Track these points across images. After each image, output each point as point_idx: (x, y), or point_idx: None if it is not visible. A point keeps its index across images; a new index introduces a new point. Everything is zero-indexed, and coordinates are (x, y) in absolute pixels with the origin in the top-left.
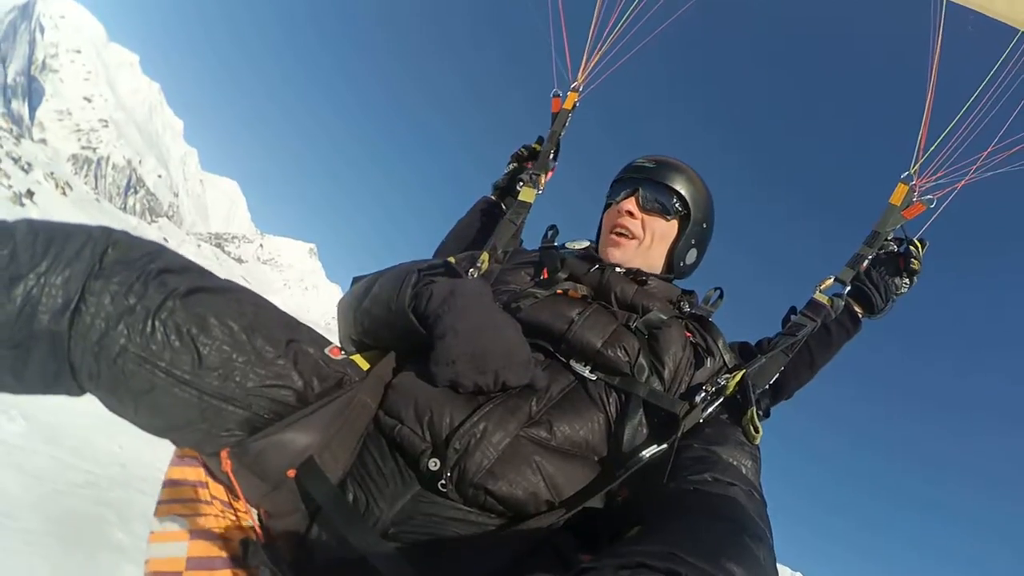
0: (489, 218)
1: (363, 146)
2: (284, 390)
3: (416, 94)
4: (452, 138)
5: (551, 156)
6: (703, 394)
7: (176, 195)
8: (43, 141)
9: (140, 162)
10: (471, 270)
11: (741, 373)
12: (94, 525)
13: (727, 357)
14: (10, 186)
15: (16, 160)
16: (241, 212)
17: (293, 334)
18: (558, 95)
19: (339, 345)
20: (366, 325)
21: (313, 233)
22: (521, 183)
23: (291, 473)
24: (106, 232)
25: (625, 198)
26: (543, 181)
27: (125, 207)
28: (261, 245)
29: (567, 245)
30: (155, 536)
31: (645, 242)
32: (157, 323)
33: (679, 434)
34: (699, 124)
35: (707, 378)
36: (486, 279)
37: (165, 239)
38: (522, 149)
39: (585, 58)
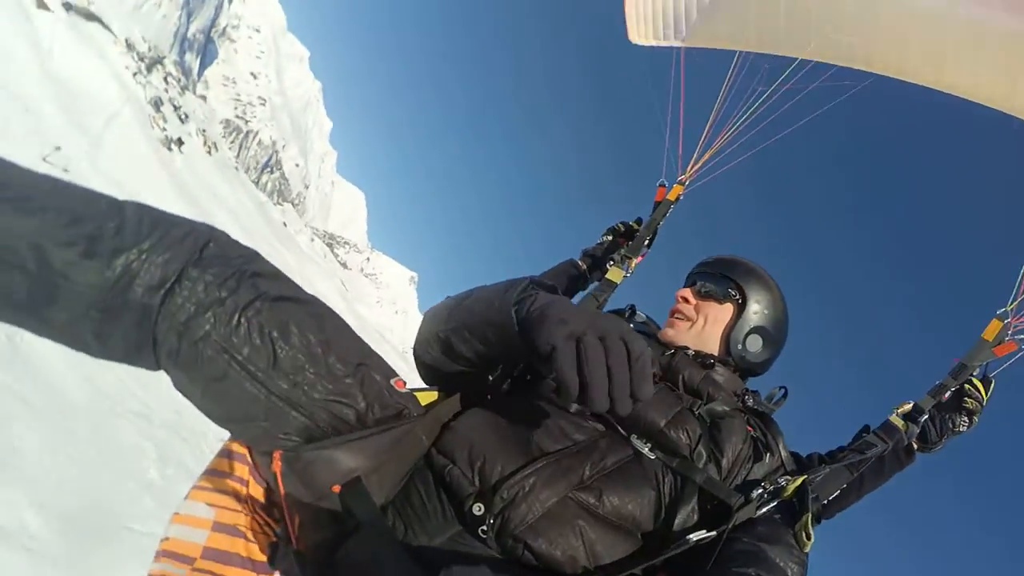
0: (571, 283)
1: (479, 194)
2: (347, 408)
3: (535, 148)
4: (553, 195)
5: (646, 242)
6: (760, 490)
7: (306, 187)
8: (203, 98)
9: (284, 147)
10: None
11: (802, 479)
12: (133, 454)
13: (785, 456)
14: (164, 129)
15: (176, 108)
16: (359, 222)
17: (364, 359)
18: (664, 185)
19: (404, 380)
20: (459, 320)
21: (417, 264)
22: (612, 262)
23: (336, 488)
24: (209, 228)
25: (684, 287)
26: (633, 265)
27: (258, 182)
28: (368, 259)
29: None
30: (179, 517)
31: (698, 324)
32: (243, 319)
33: (731, 525)
34: (792, 235)
35: (764, 475)
36: None
37: (285, 223)
38: (620, 225)
39: (697, 154)
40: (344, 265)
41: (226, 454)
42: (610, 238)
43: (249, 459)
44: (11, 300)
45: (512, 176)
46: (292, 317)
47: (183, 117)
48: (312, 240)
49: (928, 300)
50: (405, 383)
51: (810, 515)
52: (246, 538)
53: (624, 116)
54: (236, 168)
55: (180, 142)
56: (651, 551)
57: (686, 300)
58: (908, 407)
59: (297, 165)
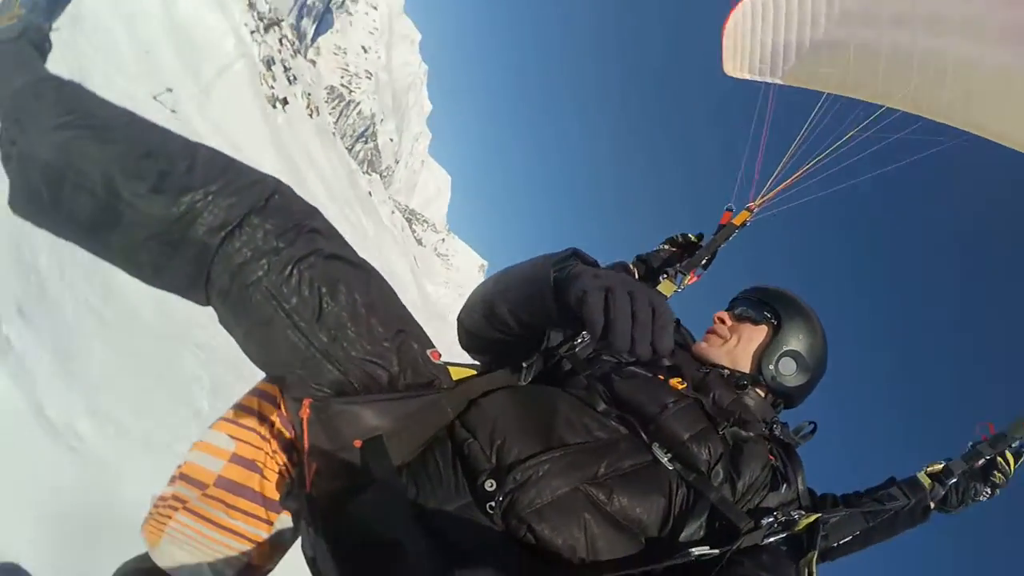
0: None
1: (556, 197)
2: (380, 370)
3: (621, 161)
4: (618, 200)
5: (703, 262)
6: (771, 519)
7: (396, 162)
8: (312, 63)
9: (381, 121)
10: (586, 334)
11: (815, 517)
12: (189, 382)
13: (801, 491)
14: (272, 87)
15: (287, 69)
16: (441, 204)
17: (405, 326)
18: (731, 209)
19: (439, 352)
20: (503, 283)
21: (489, 253)
22: (665, 275)
23: (357, 443)
24: (276, 181)
25: (723, 311)
26: (687, 282)
27: (351, 150)
28: (443, 240)
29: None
30: (199, 445)
31: (731, 343)
32: (295, 271)
33: (735, 547)
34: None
35: (777, 504)
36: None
37: (370, 193)
38: (680, 236)
39: (770, 184)
40: (419, 242)
41: (257, 393)
42: (668, 248)
43: (279, 401)
44: (75, 220)
45: (588, 183)
46: (343, 276)
47: (291, 78)
48: (393, 213)
49: (977, 361)
50: (441, 355)
51: (816, 553)
52: (262, 474)
53: (699, 138)
54: (333, 134)
55: (285, 101)
56: (652, 557)
57: (722, 320)
58: (939, 467)
59: (391, 140)
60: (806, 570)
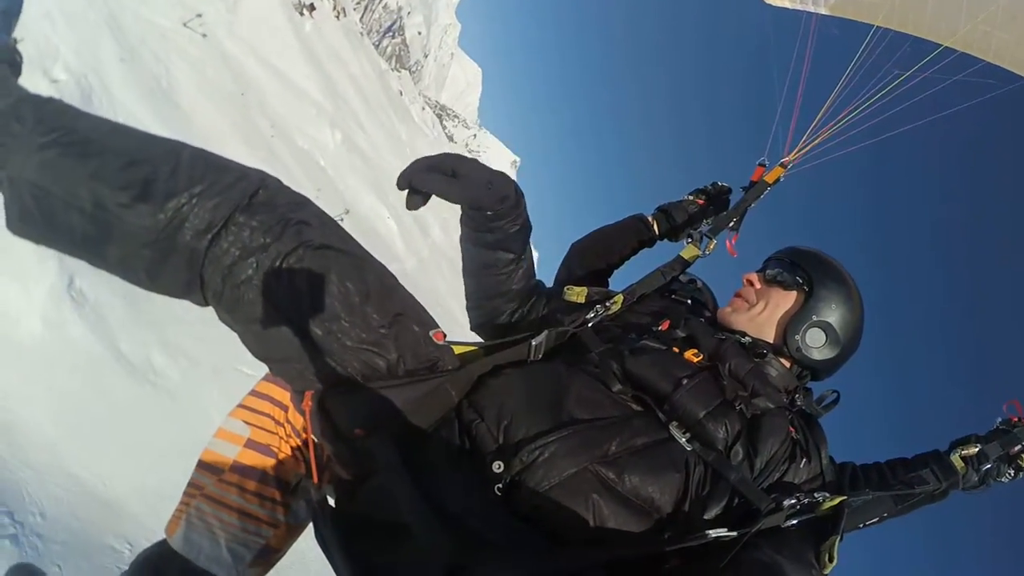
0: (636, 240)
1: (592, 99)
2: (378, 358)
3: (651, 78)
4: (650, 142)
5: (731, 223)
6: (793, 501)
7: (425, 56)
8: None
9: (409, 14)
10: (599, 307)
11: (841, 500)
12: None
13: (825, 465)
14: None
15: None
16: (472, 98)
17: (404, 309)
18: (764, 164)
19: (444, 332)
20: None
21: (522, 149)
22: (690, 239)
23: (359, 432)
24: (261, 176)
25: (753, 272)
26: (712, 246)
27: (378, 46)
28: (474, 136)
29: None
30: (219, 432)
31: (756, 308)
32: (284, 265)
33: (753, 530)
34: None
35: (800, 480)
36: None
37: (401, 92)
38: (711, 187)
39: (806, 137)
40: (451, 138)
41: (271, 379)
42: (695, 200)
43: (288, 386)
44: (71, 237)
45: (627, 97)
46: (333, 266)
47: None
48: (423, 109)
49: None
50: (445, 335)
51: (839, 538)
52: (277, 458)
53: (742, 81)
54: (361, 34)
55: (312, 7)
56: (667, 537)
57: (751, 283)
58: (974, 451)
59: (419, 33)
60: (826, 555)
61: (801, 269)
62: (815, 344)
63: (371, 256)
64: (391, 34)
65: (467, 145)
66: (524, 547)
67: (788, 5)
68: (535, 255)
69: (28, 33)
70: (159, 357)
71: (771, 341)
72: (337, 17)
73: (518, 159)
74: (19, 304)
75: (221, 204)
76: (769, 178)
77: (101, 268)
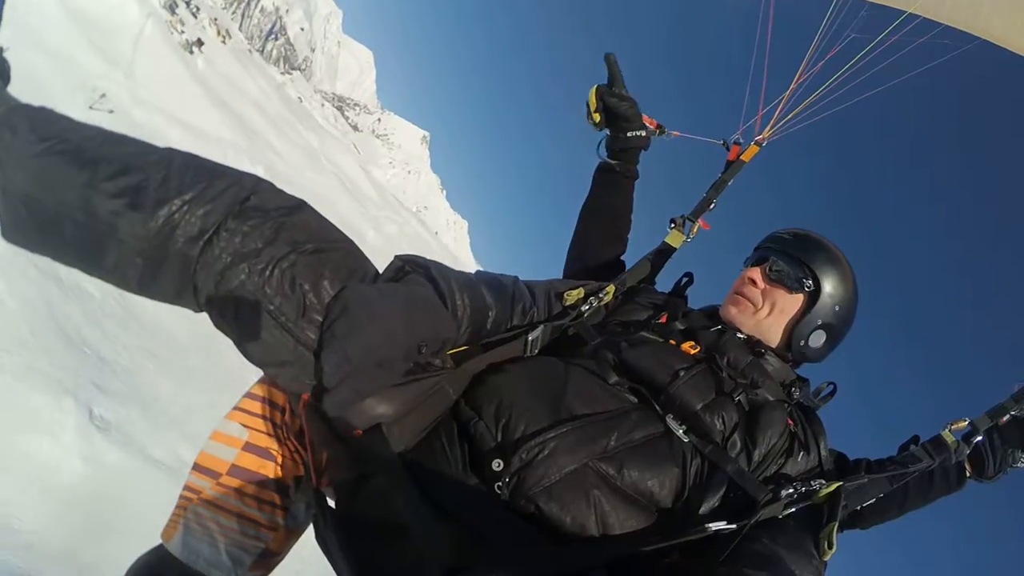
0: (617, 194)
1: (502, 67)
2: None
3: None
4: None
5: (711, 205)
6: (791, 490)
7: (312, 51)
8: None
9: (287, 12)
10: (592, 299)
11: (837, 485)
12: (241, 374)
13: (824, 457)
14: (183, 32)
15: (187, 3)
16: (368, 82)
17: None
18: (739, 143)
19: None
20: None
21: (429, 122)
22: (673, 225)
23: (357, 433)
24: (254, 180)
25: (753, 265)
26: (695, 230)
27: (263, 51)
28: (379, 120)
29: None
30: (215, 435)
31: (762, 311)
32: (276, 270)
33: (752, 522)
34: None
35: (797, 473)
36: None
37: (300, 98)
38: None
39: (778, 112)
40: (355, 127)
41: (268, 380)
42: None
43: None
44: (64, 246)
45: (536, 34)
46: (327, 268)
47: (195, 10)
48: (323, 105)
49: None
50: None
51: (837, 524)
52: (275, 461)
53: (705, 61)
54: (250, 51)
55: (200, 43)
56: (666, 532)
57: (753, 282)
58: (963, 424)
59: (302, 29)
60: (825, 541)
61: (806, 267)
62: (817, 345)
63: (366, 259)
64: (274, 36)
65: (374, 131)
66: (525, 546)
67: None
68: (464, 224)
69: None
70: (187, 451)
71: (774, 345)
72: (223, 42)
73: (427, 133)
74: (55, 453)
75: (212, 211)
76: (745, 156)
77: (94, 276)
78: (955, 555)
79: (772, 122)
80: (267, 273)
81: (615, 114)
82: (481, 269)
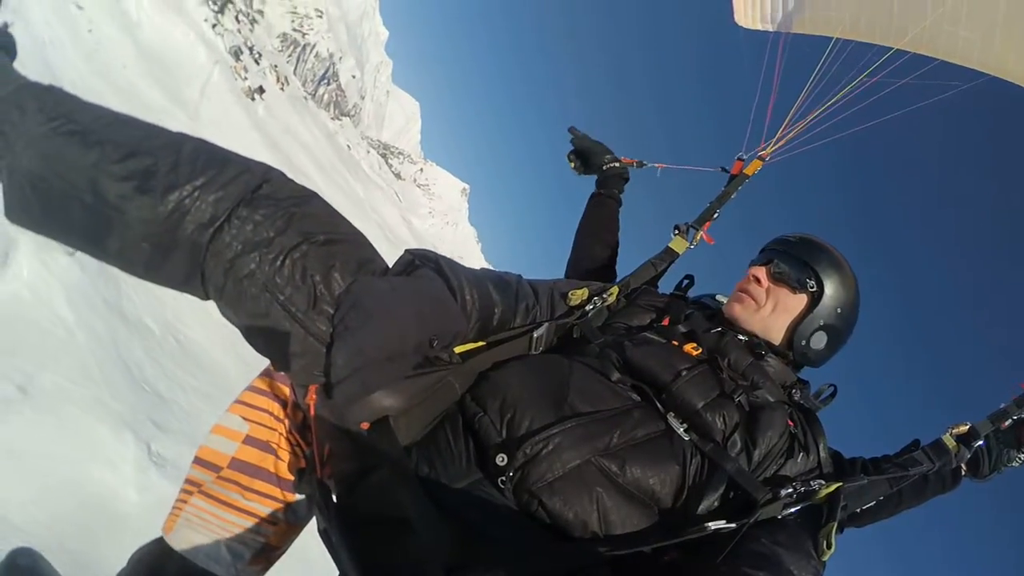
0: (604, 210)
1: (533, 114)
2: None
3: (610, 93)
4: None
5: (714, 215)
6: (790, 490)
7: (362, 98)
8: (260, 12)
9: (340, 59)
10: (596, 299)
11: (837, 486)
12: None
13: (823, 458)
14: (246, 78)
15: (251, 49)
16: (413, 132)
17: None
18: (742, 159)
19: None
20: None
21: (470, 175)
22: (676, 232)
23: (364, 426)
24: (265, 169)
25: (758, 265)
26: (699, 237)
27: (315, 95)
28: (421, 169)
29: (717, 297)
30: (216, 428)
31: (765, 309)
32: (288, 260)
33: (751, 521)
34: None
35: (797, 473)
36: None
37: (348, 146)
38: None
39: (783, 129)
40: (398, 176)
41: (269, 373)
42: (625, 160)
43: (290, 381)
44: (70, 228)
45: (572, 95)
46: (337, 260)
47: (257, 57)
48: (368, 152)
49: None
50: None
51: (835, 524)
52: (276, 455)
53: (713, 80)
54: (305, 98)
55: (261, 90)
56: (667, 531)
57: (758, 281)
58: (964, 429)
59: (354, 76)
60: (824, 541)
61: (810, 269)
62: (818, 346)
63: (376, 252)
64: (326, 81)
65: (415, 180)
66: (527, 542)
67: (759, 27)
68: (490, 268)
69: None
70: None
71: (776, 343)
72: (282, 88)
73: (467, 186)
74: (113, 483)
75: (224, 198)
76: (748, 171)
77: (100, 259)
78: (943, 554)
79: (775, 140)
80: (278, 263)
81: (586, 154)
82: None
